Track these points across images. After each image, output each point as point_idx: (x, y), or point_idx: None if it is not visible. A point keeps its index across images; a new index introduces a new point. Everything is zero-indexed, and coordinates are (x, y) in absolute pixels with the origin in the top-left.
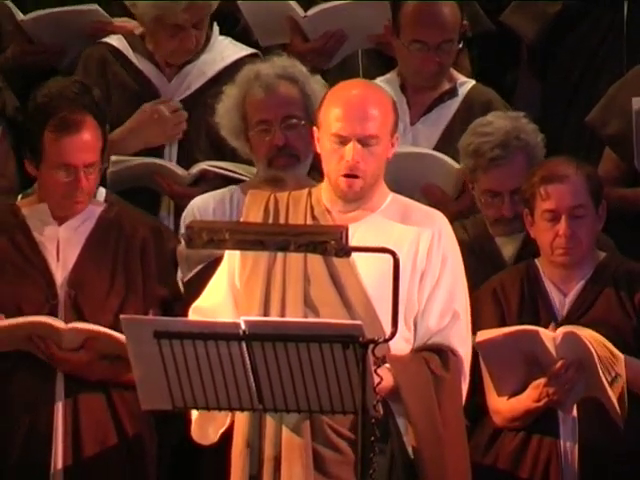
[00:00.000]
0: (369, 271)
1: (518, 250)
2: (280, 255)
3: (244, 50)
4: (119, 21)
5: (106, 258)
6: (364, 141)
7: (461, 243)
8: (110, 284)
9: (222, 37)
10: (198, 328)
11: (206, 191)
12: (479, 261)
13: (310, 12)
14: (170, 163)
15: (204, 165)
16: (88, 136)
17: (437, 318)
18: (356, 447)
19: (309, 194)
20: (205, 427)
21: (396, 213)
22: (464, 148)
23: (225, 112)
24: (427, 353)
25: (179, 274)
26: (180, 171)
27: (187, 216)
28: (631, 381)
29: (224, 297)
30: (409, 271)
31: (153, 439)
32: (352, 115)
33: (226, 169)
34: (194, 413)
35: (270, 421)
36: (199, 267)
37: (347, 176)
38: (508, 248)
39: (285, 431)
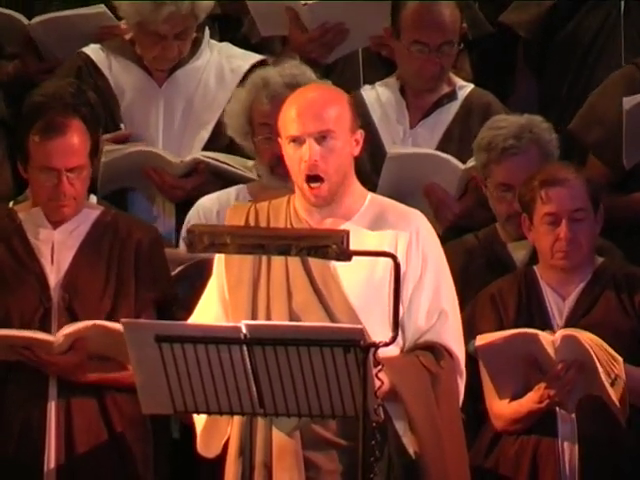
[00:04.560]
0: (351, 278)
1: (529, 256)
2: (264, 267)
3: (253, 58)
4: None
5: (100, 261)
6: (319, 138)
7: (472, 249)
8: (103, 287)
9: (221, 43)
10: (199, 332)
11: (198, 184)
12: (490, 267)
13: (311, 1)
14: (163, 150)
15: (198, 155)
16: (72, 139)
17: (424, 317)
18: (346, 455)
19: (288, 202)
20: (209, 440)
21: (372, 217)
22: (478, 143)
23: (233, 114)
24: (419, 351)
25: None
26: (173, 159)
27: (191, 217)
28: (629, 389)
29: (216, 312)
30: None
31: (148, 441)
32: (304, 114)
33: (220, 161)
34: (198, 427)
35: (261, 428)
36: (179, 268)
37: (309, 180)
38: (519, 254)
39: (275, 438)
